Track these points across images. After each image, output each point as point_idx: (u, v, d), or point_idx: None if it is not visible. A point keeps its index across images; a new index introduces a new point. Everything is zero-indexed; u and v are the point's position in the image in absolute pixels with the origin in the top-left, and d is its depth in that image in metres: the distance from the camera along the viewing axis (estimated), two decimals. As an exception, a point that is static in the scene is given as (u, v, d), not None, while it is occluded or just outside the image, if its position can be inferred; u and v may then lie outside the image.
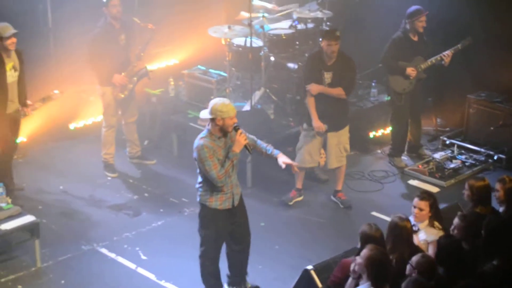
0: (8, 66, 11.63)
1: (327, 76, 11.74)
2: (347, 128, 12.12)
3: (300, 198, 12.42)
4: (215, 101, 9.43)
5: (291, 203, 12.27)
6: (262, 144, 9.85)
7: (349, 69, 11.89)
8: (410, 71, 12.92)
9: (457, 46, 13.00)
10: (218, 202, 9.65)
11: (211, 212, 9.70)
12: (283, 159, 9.61)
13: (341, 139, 12.05)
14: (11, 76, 11.68)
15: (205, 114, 9.49)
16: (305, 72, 12.19)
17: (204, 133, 9.49)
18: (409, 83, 13.02)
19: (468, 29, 13.39)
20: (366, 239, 8.45)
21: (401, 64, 12.92)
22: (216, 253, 9.96)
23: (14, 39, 11.53)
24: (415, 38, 13.02)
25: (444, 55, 12.94)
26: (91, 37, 12.58)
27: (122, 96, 12.73)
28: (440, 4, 13.47)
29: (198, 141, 9.45)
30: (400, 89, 13.14)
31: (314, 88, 11.78)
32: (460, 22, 13.68)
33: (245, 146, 9.49)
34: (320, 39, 12.28)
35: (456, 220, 8.84)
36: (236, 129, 9.45)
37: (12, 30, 11.53)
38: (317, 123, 11.86)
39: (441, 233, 9.08)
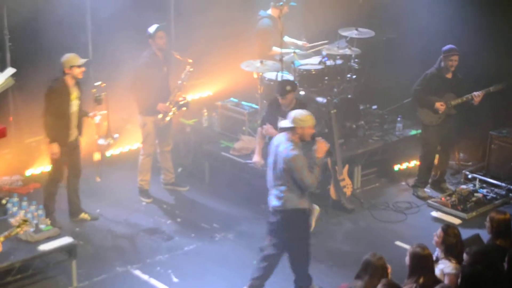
0: (73, 96, 11.73)
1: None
2: None
3: None
4: (296, 112, 9.95)
5: None
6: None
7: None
8: (439, 105, 12.86)
9: (489, 88, 12.95)
10: (306, 204, 10.07)
11: (301, 214, 10.09)
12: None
13: None
14: (75, 105, 11.77)
15: (285, 123, 9.90)
16: (264, 114, 12.33)
17: (290, 144, 9.83)
18: (438, 118, 12.97)
19: (499, 74, 13.29)
20: (366, 265, 8.46)
21: (431, 98, 12.88)
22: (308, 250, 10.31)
23: (83, 68, 11.69)
24: (449, 75, 12.96)
25: (474, 95, 12.88)
26: (138, 67, 12.62)
27: (164, 123, 12.74)
28: (475, 48, 13.41)
29: (290, 152, 9.78)
30: (427, 121, 13.13)
31: (268, 130, 11.87)
32: (493, 65, 13.58)
33: (328, 151, 10.03)
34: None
35: (473, 250, 8.80)
36: (313, 137, 9.90)
37: (82, 60, 11.70)
38: (256, 158, 12.23)
39: (457, 266, 8.99)
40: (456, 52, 12.79)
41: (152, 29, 12.60)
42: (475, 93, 12.90)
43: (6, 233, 8.98)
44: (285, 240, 10.15)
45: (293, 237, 10.15)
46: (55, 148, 11.68)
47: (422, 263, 8.51)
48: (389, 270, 8.50)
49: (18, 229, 9.03)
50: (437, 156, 13.57)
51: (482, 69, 13.50)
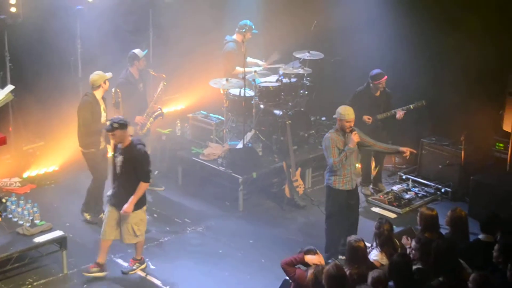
0: (102, 107, 11.71)
1: (119, 160, 10.34)
2: (138, 212, 10.37)
3: (101, 274, 10.61)
4: (341, 106, 10.68)
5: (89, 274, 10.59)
6: (382, 143, 11.25)
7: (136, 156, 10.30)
8: (366, 118, 12.90)
9: (409, 106, 13.02)
10: (341, 184, 10.68)
11: (335, 192, 10.75)
12: (403, 148, 10.99)
13: (129, 219, 10.33)
14: (103, 116, 11.74)
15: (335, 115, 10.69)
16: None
17: (332, 129, 10.75)
18: (367, 129, 12.96)
19: (422, 92, 13.44)
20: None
21: (360, 112, 12.81)
22: (337, 224, 10.90)
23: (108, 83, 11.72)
24: (377, 94, 13.02)
25: (396, 111, 12.95)
26: (117, 86, 12.52)
27: (142, 133, 12.70)
28: (400, 69, 13.51)
29: (326, 134, 10.76)
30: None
31: None
32: (415, 85, 13.72)
33: (358, 143, 10.57)
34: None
35: (413, 243, 8.91)
36: (352, 130, 10.54)
37: (109, 74, 11.76)
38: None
39: (382, 255, 9.04)
40: (383, 76, 12.88)
41: (140, 54, 12.67)
42: (397, 110, 12.97)
43: None
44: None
45: (327, 210, 11.10)
46: (94, 154, 11.75)
47: (355, 253, 8.59)
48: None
49: None
50: (372, 160, 13.66)
51: (405, 87, 13.61)
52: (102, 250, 10.58)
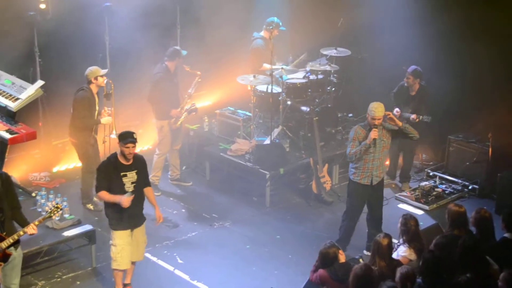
0: (97, 101, 11.81)
1: (129, 178, 9.51)
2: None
3: None
4: (373, 102, 10.58)
5: None
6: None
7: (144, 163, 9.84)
8: (396, 111, 12.81)
9: (420, 116, 12.83)
10: (359, 177, 10.75)
11: (352, 185, 10.92)
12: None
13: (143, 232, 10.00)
14: (96, 110, 11.89)
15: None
16: (97, 180, 9.68)
17: (363, 123, 10.82)
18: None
19: (449, 90, 13.41)
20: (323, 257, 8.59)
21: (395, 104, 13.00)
22: (353, 216, 11.07)
23: (105, 77, 11.82)
24: (412, 93, 13.03)
25: (410, 117, 12.81)
26: (155, 80, 12.65)
27: (176, 126, 12.79)
28: (427, 69, 13.39)
29: (354, 126, 10.90)
30: (389, 126, 13.13)
31: (104, 196, 9.52)
32: (443, 83, 13.61)
33: (374, 139, 10.49)
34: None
35: (435, 239, 8.84)
36: (375, 127, 10.50)
37: (104, 70, 11.91)
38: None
39: (410, 251, 9.01)
40: (408, 74, 12.93)
41: (183, 52, 12.89)
42: (412, 116, 12.82)
43: (40, 218, 8.99)
44: None
45: (346, 203, 11.28)
46: (87, 143, 11.89)
47: (381, 249, 8.57)
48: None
49: (51, 214, 9.02)
50: (400, 157, 13.60)
51: (435, 84, 13.51)
52: (128, 273, 10.09)
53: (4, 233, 8.63)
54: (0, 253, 8.63)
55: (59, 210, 9.03)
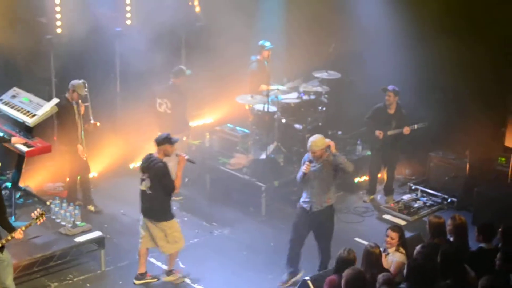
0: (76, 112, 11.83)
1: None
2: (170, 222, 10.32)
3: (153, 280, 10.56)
4: (312, 136, 10.09)
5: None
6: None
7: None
8: (378, 133, 12.89)
9: (414, 126, 12.94)
10: (301, 200, 10.26)
11: (298, 208, 10.33)
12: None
13: (167, 231, 10.29)
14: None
15: None
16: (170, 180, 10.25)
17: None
18: (378, 143, 13.04)
19: (431, 110, 13.38)
20: (341, 261, 8.45)
21: (374, 127, 12.97)
22: (294, 239, 10.35)
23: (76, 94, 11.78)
24: (391, 111, 12.98)
25: (405, 129, 12.85)
26: (163, 94, 12.85)
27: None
28: (408, 90, 13.44)
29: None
30: (372, 145, 13.35)
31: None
32: (424, 104, 13.62)
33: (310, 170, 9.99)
34: None
35: (417, 248, 8.78)
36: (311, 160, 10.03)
37: (85, 91, 11.91)
38: None
39: (403, 257, 8.99)
40: (388, 91, 12.87)
41: (188, 72, 13.06)
42: (405, 127, 12.88)
43: (27, 223, 8.95)
44: None
45: None
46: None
47: (371, 258, 8.52)
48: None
49: (37, 220, 8.95)
50: (384, 172, 13.58)
51: (416, 105, 13.52)
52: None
53: None
54: None
55: (43, 216, 8.97)
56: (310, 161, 10.06)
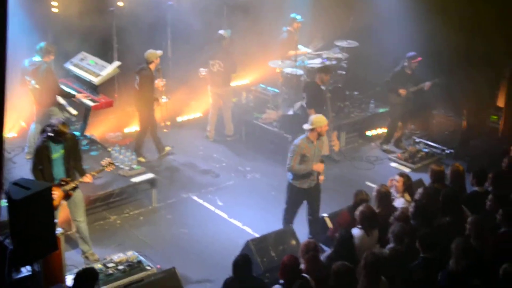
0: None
1: None
2: None
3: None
4: (315, 117, 9.25)
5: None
6: None
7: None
8: (401, 91, 12.62)
9: (435, 80, 12.77)
10: (298, 182, 9.35)
11: (291, 188, 9.51)
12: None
13: None
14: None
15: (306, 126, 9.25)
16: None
17: (306, 136, 9.25)
18: (400, 99, 12.77)
19: (436, 75, 13.02)
20: (359, 199, 8.51)
21: (397, 86, 12.68)
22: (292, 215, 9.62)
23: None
24: (409, 72, 12.71)
25: (425, 85, 12.68)
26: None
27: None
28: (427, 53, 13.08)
29: (295, 141, 9.30)
30: (394, 102, 13.00)
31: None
32: (430, 69, 13.22)
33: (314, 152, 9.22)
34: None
35: (419, 190, 8.77)
36: (319, 137, 9.23)
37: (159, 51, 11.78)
38: None
39: (407, 203, 8.85)
40: (417, 56, 12.60)
41: (228, 32, 12.91)
42: (425, 83, 12.67)
43: (97, 169, 8.96)
44: None
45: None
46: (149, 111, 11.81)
47: (385, 196, 8.56)
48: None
49: (106, 168, 8.94)
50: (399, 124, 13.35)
51: (424, 70, 13.18)
52: None
53: (69, 179, 8.69)
54: (65, 193, 8.68)
55: (112, 165, 8.95)
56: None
